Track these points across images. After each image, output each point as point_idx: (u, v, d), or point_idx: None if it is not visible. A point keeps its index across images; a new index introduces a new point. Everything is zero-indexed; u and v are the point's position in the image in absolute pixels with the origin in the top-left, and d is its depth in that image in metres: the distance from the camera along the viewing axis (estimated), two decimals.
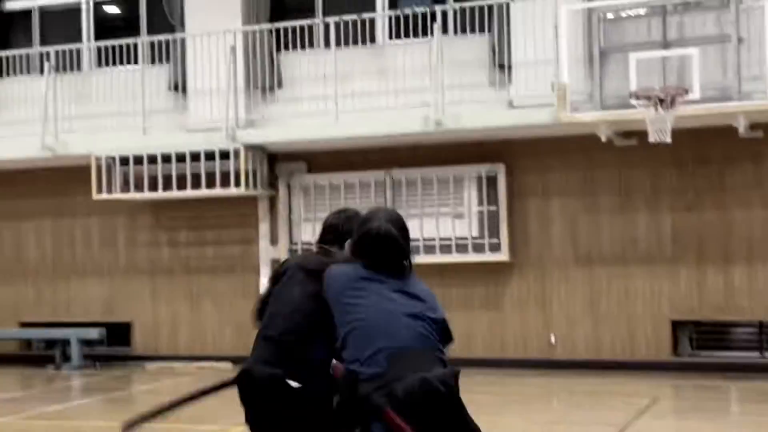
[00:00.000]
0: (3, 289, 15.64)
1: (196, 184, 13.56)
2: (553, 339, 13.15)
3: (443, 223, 13.32)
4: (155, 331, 14.80)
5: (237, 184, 13.37)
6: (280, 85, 14.14)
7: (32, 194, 15.37)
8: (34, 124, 14.37)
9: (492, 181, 13.23)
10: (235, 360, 13.87)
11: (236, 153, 13.35)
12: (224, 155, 13.42)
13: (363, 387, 3.65)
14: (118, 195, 13.90)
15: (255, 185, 13.66)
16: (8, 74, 15.46)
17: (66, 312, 15.24)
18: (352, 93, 13.30)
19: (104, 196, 13.86)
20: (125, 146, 13.88)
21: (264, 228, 14.11)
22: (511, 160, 13.24)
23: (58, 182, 15.09)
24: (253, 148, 13.56)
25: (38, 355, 15.41)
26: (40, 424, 10.10)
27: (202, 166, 13.48)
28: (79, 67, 15.09)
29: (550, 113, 12.01)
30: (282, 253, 13.80)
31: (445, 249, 13.29)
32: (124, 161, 13.88)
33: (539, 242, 13.24)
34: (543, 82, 12.37)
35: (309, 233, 13.43)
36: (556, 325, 13.17)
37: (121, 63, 14.75)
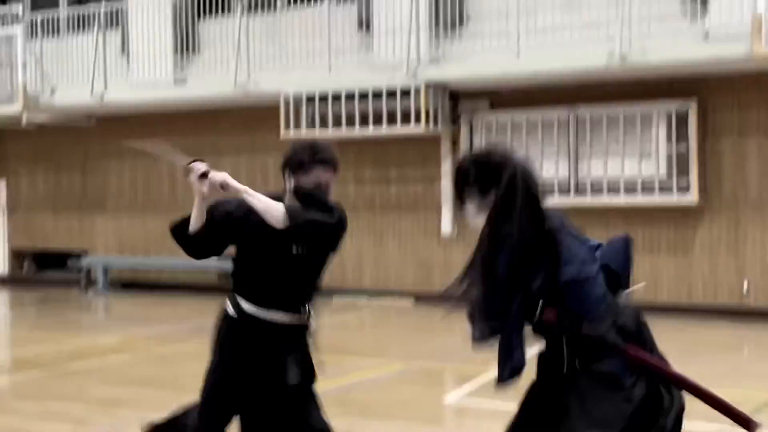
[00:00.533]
0: None
1: (379, 122, 13.67)
2: (745, 286, 12.43)
3: (629, 162, 12.78)
4: (341, 265, 15.08)
5: (418, 122, 13.36)
6: (464, 21, 13.92)
7: (228, 131, 15.98)
8: (228, 63, 14.88)
9: (682, 119, 12.54)
10: (417, 296, 14.04)
11: (417, 91, 13.32)
12: (406, 93, 13.42)
13: (586, 328, 3.49)
14: (304, 132, 14.21)
15: (436, 123, 13.59)
16: (207, 15, 16.04)
17: None
18: (536, 28, 12.91)
19: (291, 133, 14.20)
20: (312, 84, 14.15)
21: (446, 166, 14.03)
22: (703, 96, 12.50)
23: (252, 119, 15.60)
24: (435, 86, 13.48)
25: None
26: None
27: (384, 104, 13.56)
28: (272, 7, 15.43)
29: (745, 46, 11.20)
30: None
31: (631, 190, 12.77)
32: (311, 99, 14.17)
33: (733, 184, 12.48)
34: (743, 13, 11.53)
35: None
36: (749, 271, 12.43)
37: (312, 2, 14.97)
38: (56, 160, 18.05)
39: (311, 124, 14.19)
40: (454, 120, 13.95)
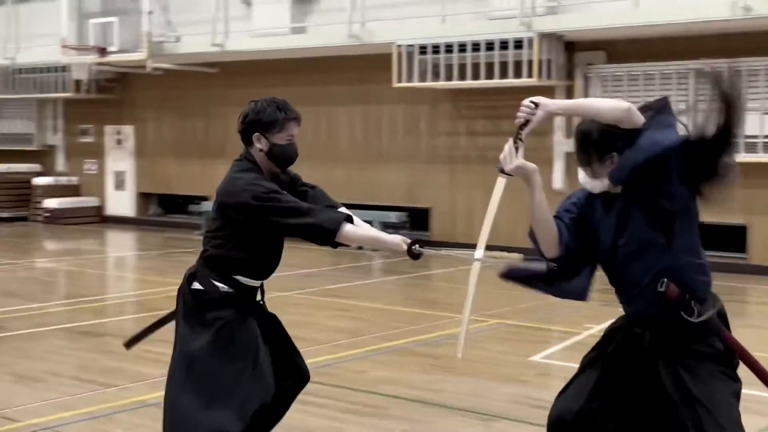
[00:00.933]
0: (319, 171, 16.43)
1: (491, 74, 13.46)
2: None
3: (751, 119, 12.22)
4: (452, 218, 15.07)
5: (531, 73, 13.09)
6: None
7: (342, 81, 16.03)
8: (343, 12, 14.88)
9: None
10: (527, 252, 13.84)
11: (531, 42, 13.03)
12: (520, 44, 13.16)
13: (698, 309, 3.37)
14: (415, 83, 14.13)
15: (550, 75, 13.29)
16: None
17: (371, 195, 15.89)
18: None
19: (403, 84, 14.15)
20: (426, 34, 14.02)
21: (559, 119, 13.74)
22: None
23: (365, 70, 15.59)
24: (549, 37, 13.16)
25: None
26: (318, 300, 10.73)
27: (497, 55, 13.33)
28: None
29: None
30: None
31: (751, 147, 12.24)
32: (424, 49, 14.05)
33: None
34: None
35: None
36: None
37: None
38: (180, 107, 18.52)
39: (423, 74, 14.09)
40: (569, 72, 13.61)
